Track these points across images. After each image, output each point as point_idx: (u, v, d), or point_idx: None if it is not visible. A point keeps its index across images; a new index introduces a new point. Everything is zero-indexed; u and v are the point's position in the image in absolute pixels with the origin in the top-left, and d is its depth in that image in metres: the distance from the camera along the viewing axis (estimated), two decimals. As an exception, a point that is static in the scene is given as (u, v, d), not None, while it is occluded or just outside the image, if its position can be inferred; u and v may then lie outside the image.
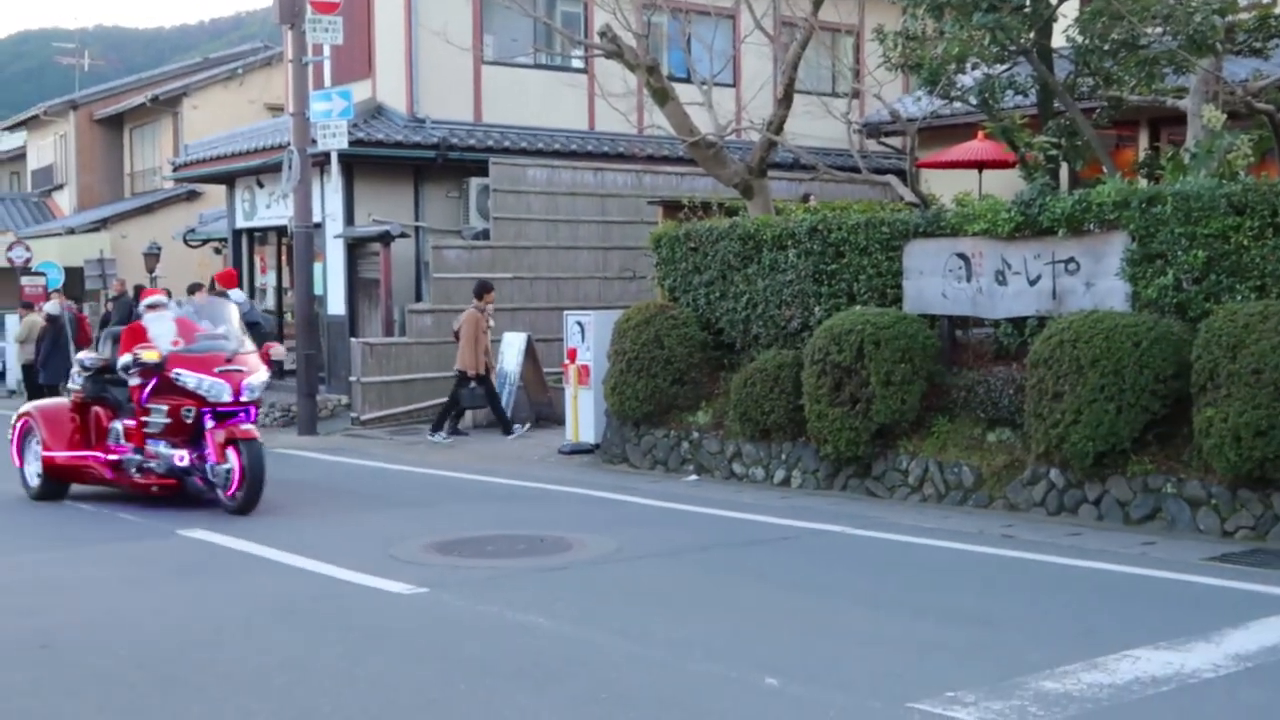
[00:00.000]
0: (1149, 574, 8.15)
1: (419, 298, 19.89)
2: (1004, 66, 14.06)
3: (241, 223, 23.64)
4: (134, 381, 11.39)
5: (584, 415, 14.70)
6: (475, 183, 19.94)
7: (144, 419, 11.30)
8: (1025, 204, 10.88)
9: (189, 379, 10.99)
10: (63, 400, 12.79)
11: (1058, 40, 13.89)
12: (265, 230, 23.27)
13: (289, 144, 18.32)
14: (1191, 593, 7.68)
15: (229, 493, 10.82)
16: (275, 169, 19.39)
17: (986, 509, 10.53)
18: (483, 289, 16.54)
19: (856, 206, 14.39)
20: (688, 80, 16.39)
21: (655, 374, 13.27)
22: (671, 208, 17.28)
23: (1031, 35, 13.24)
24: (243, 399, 11.05)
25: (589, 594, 7.91)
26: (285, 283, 22.66)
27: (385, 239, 19.04)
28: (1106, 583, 8.00)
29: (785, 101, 14.43)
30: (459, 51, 19.00)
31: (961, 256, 11.35)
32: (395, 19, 20.53)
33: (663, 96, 14.71)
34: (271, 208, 22.18)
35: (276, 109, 29.00)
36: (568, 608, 7.51)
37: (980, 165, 17.61)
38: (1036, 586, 8.02)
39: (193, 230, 28.81)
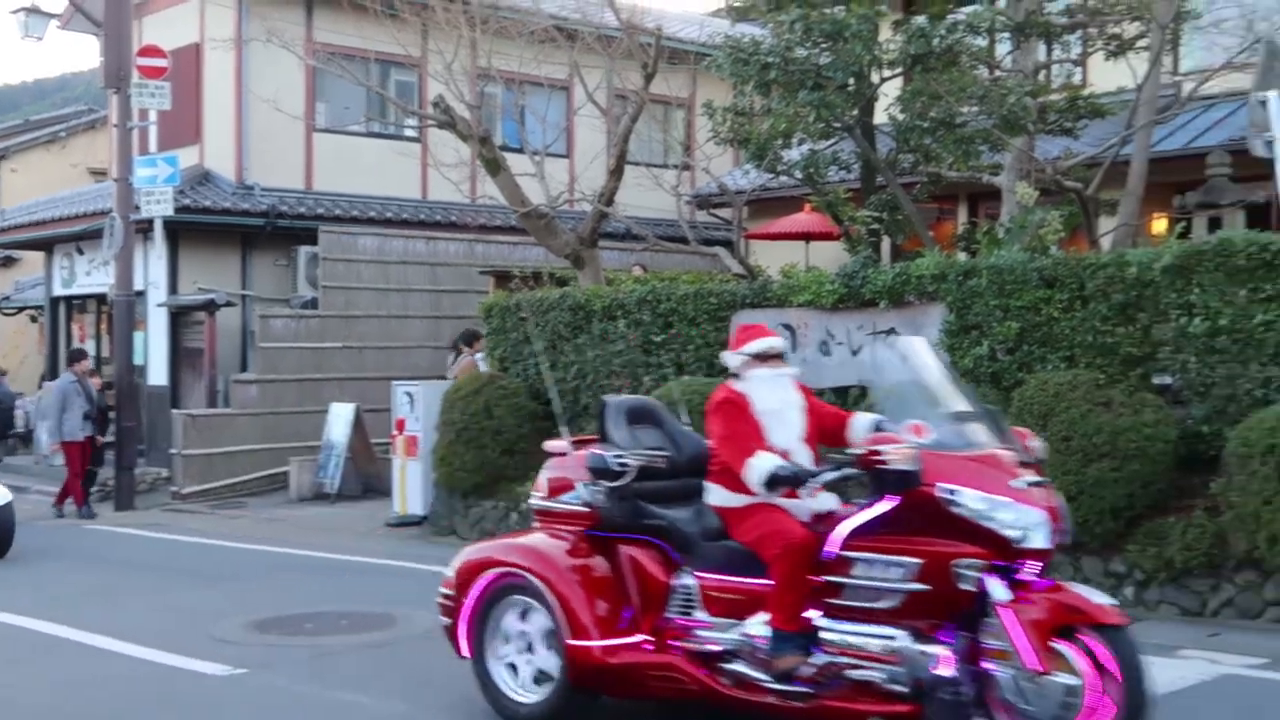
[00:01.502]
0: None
1: (244, 368, 19.45)
2: (828, 142, 14.45)
3: (60, 290, 22.91)
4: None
5: (411, 486, 14.49)
6: (305, 251, 19.66)
7: None
8: (848, 276, 11.11)
9: None
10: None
11: (880, 118, 14.33)
12: (85, 298, 22.58)
13: (111, 210, 17.85)
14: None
15: None
16: (96, 235, 18.86)
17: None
18: (473, 336, 16.01)
19: (686, 277, 14.55)
20: (521, 151, 16.44)
21: (485, 445, 13.15)
22: (503, 277, 17.26)
23: (855, 113, 13.65)
24: None
25: (413, 670, 7.75)
26: (105, 352, 21.98)
27: (210, 307, 18.63)
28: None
29: (616, 173, 14.57)
30: (290, 119, 18.77)
31: (788, 327, 11.52)
32: (225, 85, 20.23)
33: (495, 167, 14.73)
34: (92, 275, 21.55)
35: (100, 174, 28.26)
36: (391, 685, 7.35)
37: (807, 237, 18.00)
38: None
39: (8, 298, 27.86)
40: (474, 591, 6.56)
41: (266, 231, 19.71)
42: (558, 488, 6.62)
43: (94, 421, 16.82)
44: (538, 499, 6.76)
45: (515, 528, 13.04)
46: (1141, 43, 13.54)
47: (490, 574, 6.52)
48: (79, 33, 22.17)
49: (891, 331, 10.80)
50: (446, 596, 6.71)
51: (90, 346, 22.75)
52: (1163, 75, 13.64)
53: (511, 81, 17.24)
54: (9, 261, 30.29)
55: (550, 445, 6.81)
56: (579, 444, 6.70)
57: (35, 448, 22.24)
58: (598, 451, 6.40)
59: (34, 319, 27.25)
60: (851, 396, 11.01)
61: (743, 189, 16.79)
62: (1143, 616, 8.75)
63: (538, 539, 6.60)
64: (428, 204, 21.37)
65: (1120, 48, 13.79)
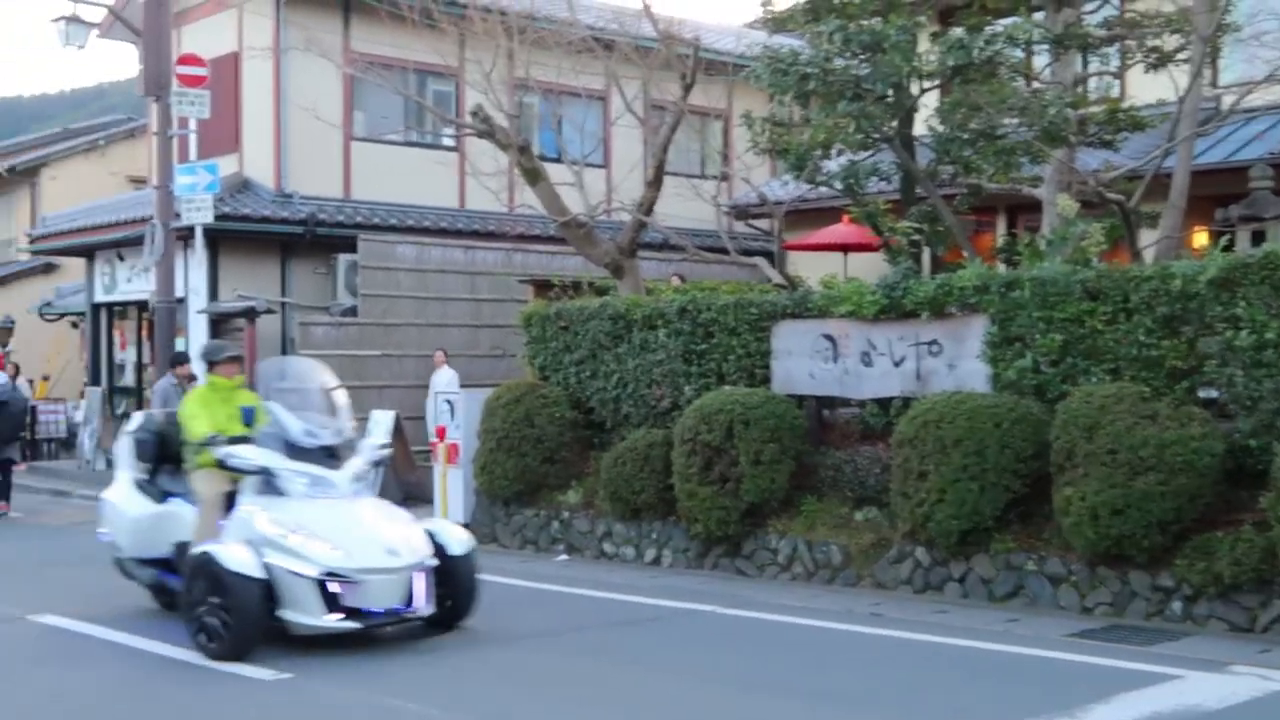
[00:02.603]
0: (1014, 651, 8.31)
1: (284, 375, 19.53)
2: (868, 153, 14.44)
3: (101, 296, 23.11)
4: None
5: (453, 494, 14.56)
6: (344, 259, 19.78)
7: None
8: (889, 287, 11.12)
9: None
10: None
11: (919, 129, 14.31)
12: (125, 304, 22.76)
13: (152, 217, 18.00)
14: (1055, 670, 7.84)
15: None
16: (137, 242, 19.04)
17: (854, 587, 10.65)
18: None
19: (726, 287, 14.58)
20: (559, 160, 16.52)
21: (525, 453, 13.22)
22: (542, 286, 17.32)
23: (894, 124, 13.64)
24: None
25: (458, 678, 7.80)
26: (146, 358, 22.15)
27: (250, 315, 18.76)
28: (973, 661, 8.13)
29: (655, 183, 14.63)
30: (328, 127, 18.92)
31: (828, 338, 11.54)
32: (264, 94, 20.39)
33: (534, 176, 14.80)
34: (133, 282, 21.72)
35: (139, 181, 28.48)
36: (436, 693, 7.41)
37: (845, 248, 17.99)
38: (905, 665, 8.11)
39: (49, 304, 28.06)
40: None
41: (306, 239, 19.85)
42: None
43: None
44: None
45: (556, 536, 13.11)
46: (1181, 55, 13.49)
47: None
48: (118, 41, 22.40)
49: (934, 343, 10.81)
50: None
51: (131, 353, 22.97)
52: (1204, 88, 13.61)
53: (549, 91, 17.33)
54: (49, 268, 30.56)
55: None
56: None
57: (79, 452, 22.46)
58: None
59: (75, 325, 27.47)
60: (894, 407, 11.03)
61: (781, 200, 16.81)
62: (1191, 631, 8.74)
63: None
64: (465, 213, 21.47)
65: (1160, 60, 13.73)
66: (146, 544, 9.60)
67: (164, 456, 9.79)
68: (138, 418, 10.35)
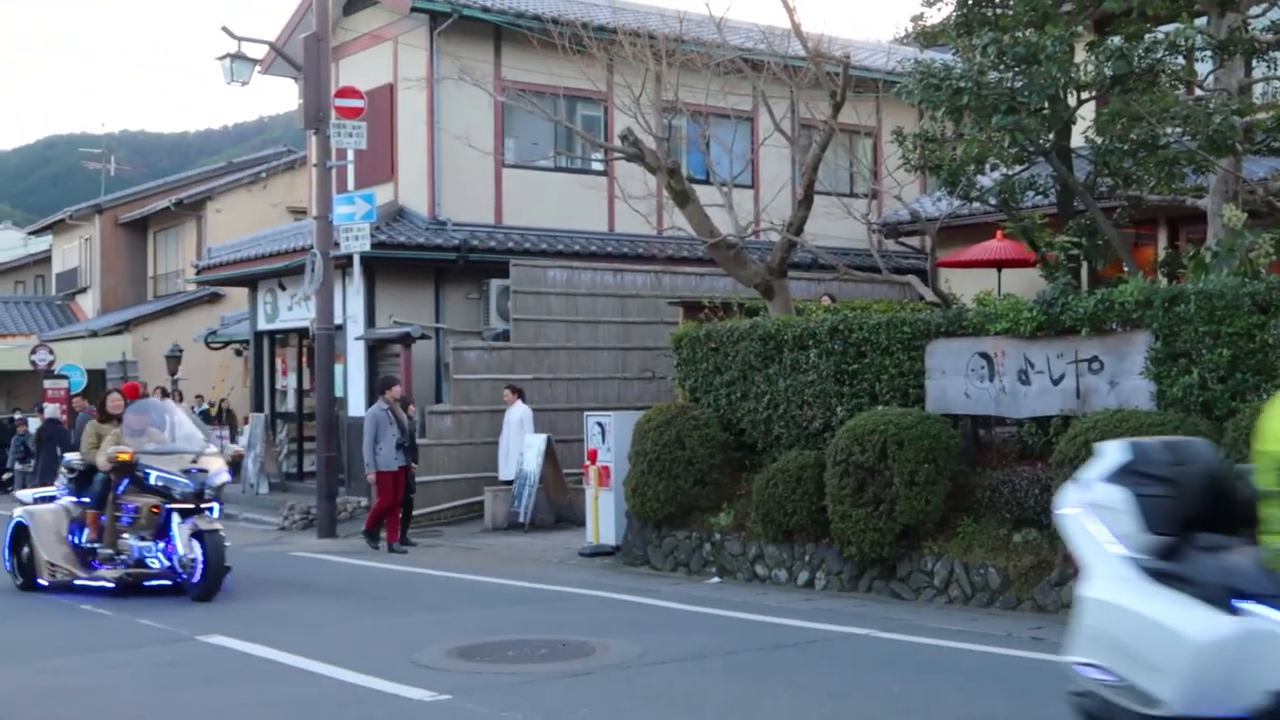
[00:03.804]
0: (1183, 678, 7.98)
1: (439, 399, 19.91)
2: (1023, 167, 14.16)
3: (263, 325, 23.78)
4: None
5: (604, 517, 14.62)
6: (495, 284, 20.05)
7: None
8: (1047, 303, 10.86)
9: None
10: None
11: (1076, 141, 14.00)
12: (287, 332, 23.39)
13: (312, 247, 18.47)
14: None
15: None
16: (297, 271, 19.55)
17: (1014, 611, 10.39)
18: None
19: (877, 306, 14.41)
20: (707, 182, 16.52)
21: (677, 475, 13.20)
22: (692, 308, 17.33)
23: (1050, 136, 13.35)
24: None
25: (614, 700, 7.79)
26: (306, 384, 22.73)
27: (406, 340, 19.11)
28: (1140, 687, 7.83)
29: (805, 202, 14.53)
30: (480, 155, 19.22)
31: (984, 356, 11.32)
32: (417, 123, 20.80)
33: (683, 198, 14.82)
34: (293, 310, 22.31)
35: (299, 212, 29.32)
36: (593, 714, 7.40)
37: (999, 264, 17.65)
38: (1067, 690, 7.85)
39: (214, 332, 28.99)
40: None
41: (458, 265, 20.17)
42: None
43: (406, 450, 16.28)
44: None
45: (708, 558, 13.05)
46: (1353, 57, 12.97)
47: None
48: (278, 77, 23.07)
49: (1095, 360, 10.52)
50: None
51: (292, 379, 23.57)
52: (1380, 90, 13.06)
53: (697, 113, 17.37)
54: (215, 298, 31.61)
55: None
56: None
57: (243, 477, 23.09)
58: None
59: (239, 353, 28.32)
60: (1053, 426, 10.75)
61: (933, 216, 16.56)
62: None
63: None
64: (614, 236, 21.60)
65: (1331, 62, 13.23)
66: (1216, 693, 4.42)
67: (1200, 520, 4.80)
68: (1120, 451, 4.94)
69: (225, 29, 19.73)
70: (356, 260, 18.70)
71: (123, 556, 12.35)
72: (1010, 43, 12.67)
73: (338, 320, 19.15)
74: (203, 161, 45.69)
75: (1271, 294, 9.62)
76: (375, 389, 17.05)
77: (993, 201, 13.95)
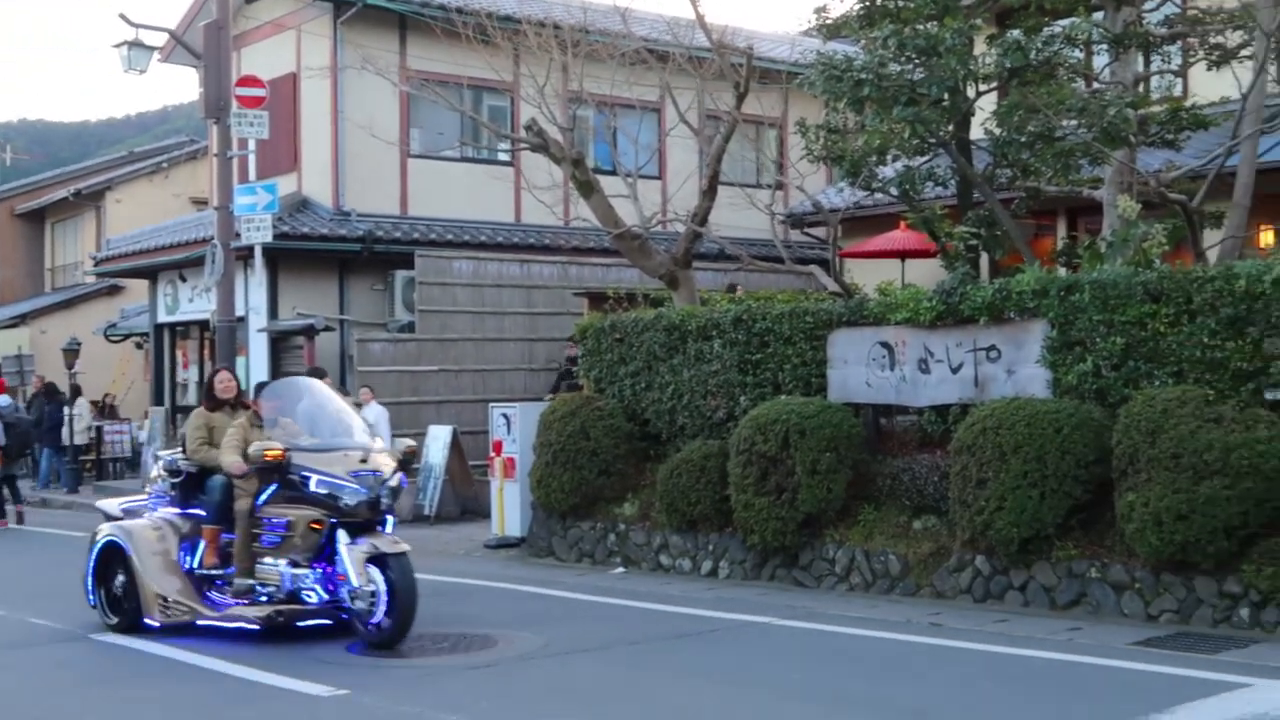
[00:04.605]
0: (1077, 660, 8.13)
1: (344, 392, 19.67)
2: (924, 158, 14.30)
3: (163, 317, 23.39)
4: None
5: (510, 508, 14.55)
6: (401, 275, 19.88)
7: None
8: (947, 293, 10.97)
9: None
10: None
11: (976, 133, 14.15)
12: (188, 324, 23.03)
13: (212, 238, 18.18)
14: (1119, 679, 7.66)
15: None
16: (198, 263, 19.24)
17: (914, 597, 10.49)
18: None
19: (781, 296, 14.47)
20: (613, 173, 16.49)
21: (581, 466, 13.17)
22: (597, 299, 17.30)
23: (950, 128, 13.50)
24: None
25: (515, 692, 7.75)
26: (207, 377, 22.36)
27: (309, 332, 18.89)
28: (1036, 670, 7.96)
29: (709, 193, 14.56)
30: (385, 145, 19.05)
31: (885, 345, 11.41)
32: (321, 113, 20.56)
33: (588, 189, 14.78)
34: (194, 302, 21.97)
35: (201, 203, 28.84)
36: (492, 707, 7.36)
37: (902, 255, 17.83)
38: (966, 676, 7.96)
39: (114, 325, 28.47)
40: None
41: (363, 257, 19.98)
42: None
43: None
44: None
45: (612, 549, 13.05)
46: (1245, 52, 13.24)
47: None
48: (180, 65, 22.68)
49: (993, 348, 10.65)
50: None
51: (193, 372, 23.20)
52: (1269, 84, 13.34)
53: (603, 104, 17.34)
54: (115, 290, 31.01)
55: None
56: None
57: (143, 472, 22.69)
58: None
59: (139, 346, 27.83)
60: (952, 414, 10.87)
61: (837, 207, 16.69)
62: (1260, 638, 8.52)
63: None
64: (521, 227, 21.51)
65: (1223, 58, 13.50)
66: None
67: None
68: None
69: (123, 16, 19.35)
70: (259, 251, 18.44)
71: (268, 588, 9.39)
72: (911, 35, 12.77)
73: (239, 312, 18.86)
74: (104, 151, 44.76)
75: (1163, 283, 9.78)
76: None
77: (894, 192, 14.09)
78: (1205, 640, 8.56)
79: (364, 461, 9.26)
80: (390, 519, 9.38)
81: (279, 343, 20.00)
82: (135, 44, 19.86)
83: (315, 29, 20.67)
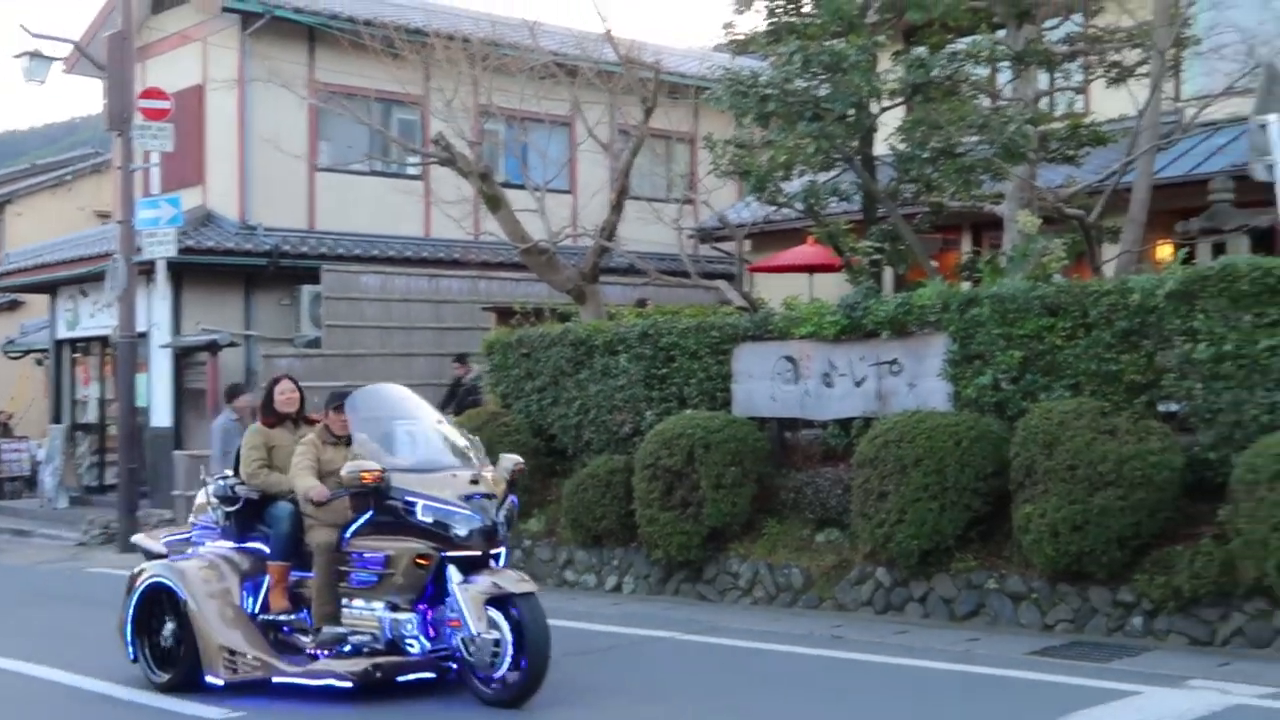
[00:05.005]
0: (974, 670, 8.18)
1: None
2: (829, 173, 14.38)
3: (64, 333, 22.92)
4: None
5: (417, 525, 14.34)
6: (308, 290, 19.63)
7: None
8: (850, 307, 11.03)
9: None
10: None
11: (881, 148, 14.26)
12: (88, 341, 22.56)
13: (114, 252, 17.85)
14: (1015, 689, 7.71)
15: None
16: (100, 278, 18.87)
17: (816, 610, 10.50)
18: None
19: (688, 311, 14.47)
20: (523, 187, 16.43)
21: (487, 481, 13.03)
22: (504, 313, 17.18)
23: (855, 143, 13.60)
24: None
25: (407, 712, 7.62)
26: (109, 394, 21.93)
27: (214, 348, 18.60)
28: (934, 681, 7.99)
29: (617, 207, 14.55)
30: (293, 159, 18.82)
31: (789, 359, 11.43)
32: (228, 126, 20.27)
33: (495, 203, 14.70)
34: (95, 317, 21.53)
35: (106, 216, 28.27)
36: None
37: (811, 269, 17.91)
38: (866, 688, 7.97)
39: (13, 341, 27.86)
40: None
41: (269, 271, 19.70)
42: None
43: None
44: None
45: (519, 563, 12.92)
46: (1142, 69, 13.47)
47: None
48: (85, 76, 22.27)
49: (895, 362, 10.70)
50: None
51: (94, 389, 22.74)
52: (1165, 102, 13.58)
53: (513, 118, 17.27)
54: (14, 305, 30.35)
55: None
56: None
57: (40, 491, 22.22)
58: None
59: (39, 362, 27.24)
60: (855, 428, 10.91)
61: (745, 222, 16.76)
62: (1152, 647, 8.63)
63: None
64: (431, 241, 21.34)
65: (1121, 75, 13.72)
66: None
67: None
68: None
69: (23, 26, 19.02)
70: (162, 266, 18.14)
71: (361, 637, 7.82)
72: (816, 51, 12.87)
73: (141, 328, 18.54)
74: (8, 163, 43.88)
75: (1060, 297, 9.89)
76: (224, 396, 15.91)
77: (799, 207, 14.14)
78: (1099, 649, 8.65)
79: (475, 483, 7.71)
80: (504, 551, 7.87)
81: (182, 359, 19.67)
82: (35, 55, 19.50)
83: (222, 41, 20.38)
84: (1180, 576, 8.60)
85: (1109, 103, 14.86)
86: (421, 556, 7.58)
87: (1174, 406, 9.34)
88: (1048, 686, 7.66)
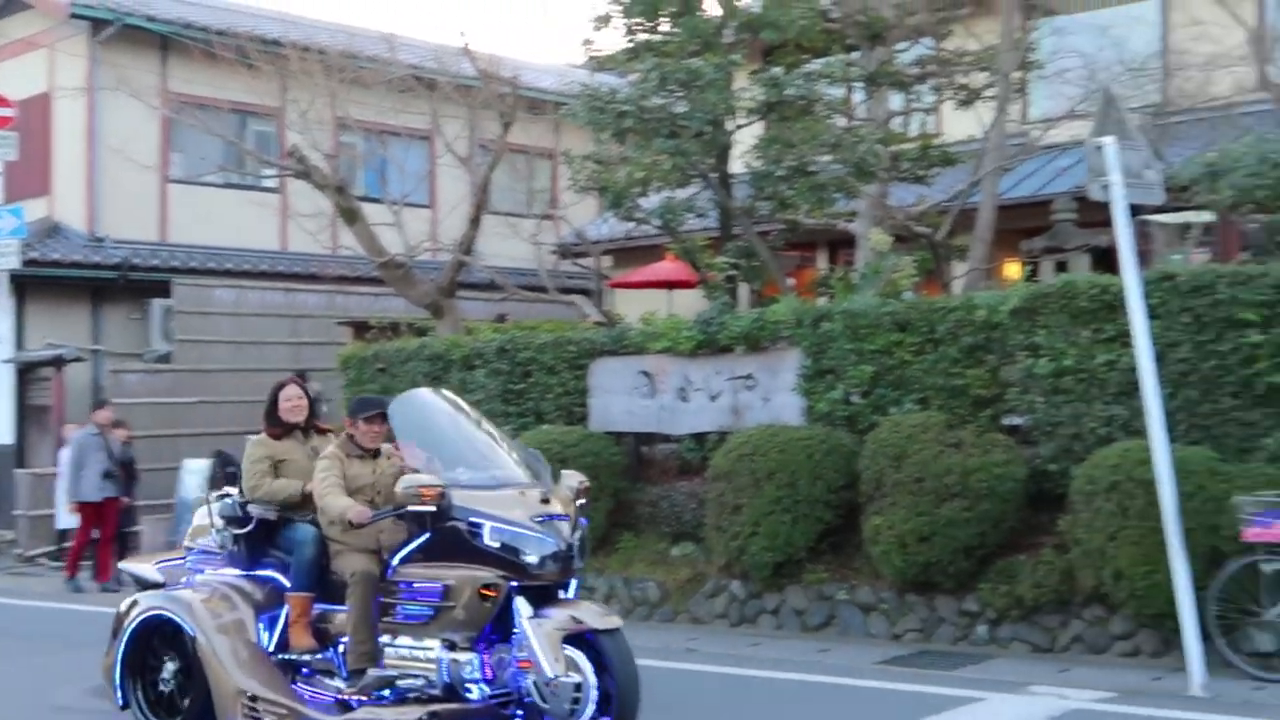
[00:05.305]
0: (824, 680, 8.30)
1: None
2: (685, 190, 14.48)
3: (-99, 348, 22.06)
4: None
5: (270, 543, 14.07)
6: (159, 304, 19.15)
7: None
8: (705, 323, 11.13)
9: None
10: None
11: (737, 166, 14.41)
12: (-73, 356, 21.75)
13: (-45, 264, 17.27)
14: (863, 698, 7.83)
15: None
16: (-62, 290, 18.23)
17: (672, 623, 10.56)
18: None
19: (546, 326, 14.46)
20: (381, 201, 16.27)
21: (343, 498, 12.85)
22: (361, 328, 16.98)
23: (710, 160, 13.71)
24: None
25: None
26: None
27: (59, 363, 18.06)
28: (784, 692, 8.08)
29: (475, 222, 14.51)
30: (144, 170, 18.41)
31: (646, 374, 11.50)
32: (76, 135, 19.73)
33: (351, 216, 14.55)
34: (-65, 331, 20.78)
35: (-53, 228, 27.38)
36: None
37: (669, 285, 17.99)
38: (716, 701, 8.02)
39: None
40: None
41: (119, 284, 19.19)
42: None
43: (117, 480, 14.69)
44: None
45: (373, 582, 12.75)
46: (990, 92, 13.82)
47: None
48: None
49: (749, 377, 10.82)
50: None
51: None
52: (1012, 124, 13.94)
53: (371, 131, 17.12)
54: None
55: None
56: None
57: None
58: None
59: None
60: (710, 442, 10.99)
61: (604, 238, 16.80)
62: (996, 654, 8.84)
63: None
64: (287, 255, 20.99)
65: (969, 97, 14.05)
66: None
67: None
68: None
69: None
70: (4, 279, 17.62)
71: (413, 680, 6.57)
72: (673, 68, 12.98)
73: (-17, 342, 17.94)
74: None
75: (909, 313, 10.11)
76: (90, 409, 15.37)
77: (656, 223, 14.22)
78: (945, 657, 8.85)
79: (546, 502, 6.54)
80: (575, 582, 6.70)
81: (25, 374, 19.05)
82: None
83: (70, 48, 19.84)
84: (1023, 585, 8.85)
85: (959, 124, 15.21)
86: (488, 587, 6.38)
87: (1017, 420, 9.61)
88: (895, 695, 7.80)
